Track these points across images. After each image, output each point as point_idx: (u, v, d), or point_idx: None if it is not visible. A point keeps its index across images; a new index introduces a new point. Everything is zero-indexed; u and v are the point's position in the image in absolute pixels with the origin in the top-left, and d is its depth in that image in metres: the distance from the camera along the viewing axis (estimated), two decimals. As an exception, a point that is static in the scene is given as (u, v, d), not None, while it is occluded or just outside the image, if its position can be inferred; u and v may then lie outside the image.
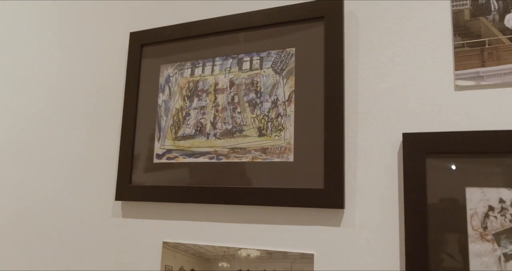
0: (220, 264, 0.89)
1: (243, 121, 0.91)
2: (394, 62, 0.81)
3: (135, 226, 1.00)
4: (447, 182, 0.72)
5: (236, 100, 0.93)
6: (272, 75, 0.90)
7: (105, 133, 1.10)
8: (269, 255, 0.85)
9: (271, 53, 0.91)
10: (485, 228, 0.68)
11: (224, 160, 0.91)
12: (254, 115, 0.90)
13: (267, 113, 0.89)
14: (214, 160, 0.92)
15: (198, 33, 0.99)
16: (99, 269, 1.03)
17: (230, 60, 0.95)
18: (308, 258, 0.82)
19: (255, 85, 0.91)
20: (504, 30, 0.73)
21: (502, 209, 0.68)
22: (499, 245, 0.67)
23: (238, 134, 0.91)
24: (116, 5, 1.16)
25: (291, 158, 0.85)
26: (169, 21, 1.07)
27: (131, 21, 1.13)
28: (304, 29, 0.88)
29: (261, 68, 0.91)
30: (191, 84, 0.99)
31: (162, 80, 1.03)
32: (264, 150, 0.88)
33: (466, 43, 0.75)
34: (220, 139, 0.93)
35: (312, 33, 0.87)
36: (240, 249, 0.88)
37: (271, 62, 0.90)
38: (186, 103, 0.99)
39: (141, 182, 1.00)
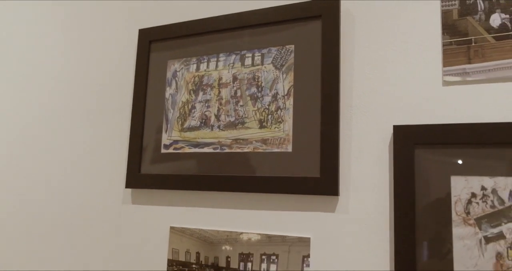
0: (223, 247, 0.94)
1: (245, 114, 0.95)
2: (387, 59, 0.85)
3: (144, 212, 1.06)
4: (434, 171, 0.76)
5: (238, 94, 0.97)
6: (273, 71, 0.94)
7: (116, 125, 1.14)
8: (269, 238, 0.89)
9: (271, 50, 0.95)
10: (467, 213, 0.73)
11: (227, 150, 0.96)
12: (256, 108, 0.95)
13: (267, 107, 0.93)
14: (218, 150, 0.97)
15: (203, 31, 1.02)
16: (111, 251, 1.08)
17: (233, 56, 0.99)
18: (305, 242, 0.86)
19: (256, 80, 0.96)
20: (489, 29, 0.77)
21: (484, 195, 0.72)
22: (480, 229, 0.72)
23: (241, 126, 0.96)
24: (126, 3, 1.20)
25: (289, 149, 0.89)
26: (176, 18, 1.10)
27: (140, 18, 1.17)
28: (303, 27, 0.92)
29: (262, 64, 0.96)
30: (196, 78, 1.03)
31: (169, 74, 1.07)
32: (264, 141, 0.92)
33: (454, 41, 0.79)
34: (224, 131, 0.97)
35: (310, 31, 0.91)
36: (242, 233, 0.93)
37: (271, 58, 0.94)
38: (192, 96, 1.03)
39: (149, 170, 1.04)
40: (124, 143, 1.12)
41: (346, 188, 0.85)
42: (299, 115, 0.89)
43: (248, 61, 0.97)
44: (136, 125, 1.08)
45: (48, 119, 1.26)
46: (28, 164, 1.26)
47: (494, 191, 0.72)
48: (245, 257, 0.91)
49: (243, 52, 0.98)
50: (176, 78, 1.05)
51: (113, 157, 1.13)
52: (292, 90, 0.91)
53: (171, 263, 0.98)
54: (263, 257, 0.89)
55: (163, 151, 1.04)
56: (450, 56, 0.79)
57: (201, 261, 0.95)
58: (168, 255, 0.99)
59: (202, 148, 0.99)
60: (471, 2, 0.79)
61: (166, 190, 1.03)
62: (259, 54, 0.96)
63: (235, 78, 0.98)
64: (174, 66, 1.06)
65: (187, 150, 1.00)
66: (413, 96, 0.82)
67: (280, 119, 0.91)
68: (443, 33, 0.81)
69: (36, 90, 1.30)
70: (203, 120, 1.00)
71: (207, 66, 1.02)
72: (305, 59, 0.90)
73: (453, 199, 0.74)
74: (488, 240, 0.71)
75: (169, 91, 1.06)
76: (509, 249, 0.69)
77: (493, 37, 0.76)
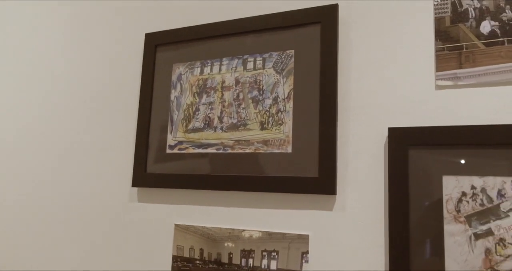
0: (226, 244, 0.97)
1: (247, 116, 0.98)
2: (382, 64, 0.89)
3: (149, 210, 1.09)
4: (426, 171, 0.79)
5: (241, 97, 1.00)
6: (274, 75, 0.97)
7: (123, 127, 1.17)
8: (270, 236, 0.92)
9: (272, 55, 0.98)
10: (458, 211, 0.76)
11: (229, 151, 0.99)
12: (257, 110, 0.98)
13: (268, 109, 0.96)
14: (221, 151, 1.00)
15: (208, 35, 1.05)
16: (117, 248, 1.12)
17: (236, 61, 1.02)
18: (304, 239, 0.89)
19: (258, 83, 0.99)
20: (480, 36, 0.81)
21: (474, 194, 0.76)
22: (470, 226, 0.75)
23: (243, 128, 0.99)
24: (133, 8, 1.23)
25: (289, 149, 0.92)
26: (181, 23, 1.14)
27: (146, 23, 1.20)
28: (303, 33, 0.95)
29: (263, 68, 0.99)
30: (200, 82, 1.06)
31: (174, 78, 1.10)
32: (265, 142, 0.96)
33: (446, 47, 0.83)
34: (226, 132, 1.01)
35: (309, 36, 0.94)
36: (243, 230, 0.96)
37: (272, 63, 0.98)
38: (196, 99, 1.06)
39: (155, 170, 1.07)
40: (130, 143, 1.16)
41: (343, 187, 0.88)
42: (298, 118, 0.92)
43: (250, 65, 1.00)
44: (142, 126, 1.11)
45: (58, 120, 1.29)
46: (38, 163, 1.30)
47: (483, 190, 0.75)
48: (246, 254, 0.94)
49: (245, 57, 1.01)
50: (181, 81, 1.08)
51: (120, 157, 1.16)
52: (292, 94, 0.94)
53: (175, 259, 1.02)
54: (264, 253, 0.92)
55: (168, 151, 1.07)
56: (442, 62, 0.83)
57: (205, 257, 0.98)
58: (172, 252, 1.03)
59: (206, 148, 1.02)
60: (462, 9, 0.83)
61: (171, 189, 1.07)
62: (261, 58, 0.99)
63: (237, 81, 1.01)
64: (179, 69, 1.09)
65: (191, 150, 1.04)
66: (407, 100, 0.85)
67: (280, 122, 0.94)
68: (436, 39, 0.84)
69: (46, 92, 1.33)
70: (207, 122, 1.03)
71: (211, 70, 1.05)
72: (305, 63, 0.94)
73: (444, 198, 0.78)
74: (477, 236, 0.74)
75: (174, 93, 1.09)
76: (497, 245, 0.73)
77: (483, 43, 0.80)
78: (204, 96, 1.05)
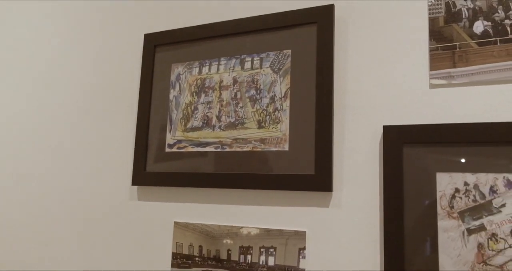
0: (224, 241, 0.98)
1: (244, 115, 1.00)
2: (378, 63, 0.90)
3: (149, 208, 1.10)
4: (420, 168, 0.81)
5: (238, 96, 1.02)
6: (271, 74, 0.99)
7: (122, 126, 1.19)
8: (267, 232, 0.94)
9: (269, 54, 0.99)
10: (451, 207, 0.78)
11: (227, 149, 1.00)
12: (254, 109, 0.99)
13: (265, 108, 0.98)
14: (219, 149, 1.01)
15: (206, 36, 1.07)
16: (118, 245, 1.13)
17: (234, 60, 1.04)
18: (301, 235, 0.91)
19: (255, 83, 1.00)
20: (473, 36, 0.82)
21: (466, 191, 0.77)
22: (463, 222, 0.77)
23: (240, 126, 1.00)
24: (132, 9, 1.24)
25: (286, 147, 0.94)
26: (180, 24, 1.15)
27: (145, 23, 1.21)
28: (299, 33, 0.96)
29: (261, 67, 1.00)
30: (199, 81, 1.08)
31: (173, 77, 1.11)
32: (263, 140, 0.97)
33: (440, 46, 0.84)
34: (224, 131, 1.02)
35: (306, 36, 0.95)
36: (242, 227, 0.97)
37: (269, 62, 0.99)
38: (194, 98, 1.07)
39: (154, 168, 1.08)
40: (130, 142, 1.17)
41: (339, 184, 0.89)
42: (295, 116, 0.94)
43: (247, 65, 1.02)
44: (141, 125, 1.12)
45: (58, 119, 1.30)
46: (38, 162, 1.31)
47: (476, 186, 0.77)
48: (245, 250, 0.95)
49: (243, 57, 1.03)
50: (180, 81, 1.10)
51: (120, 156, 1.18)
52: (289, 93, 0.96)
53: (175, 256, 1.03)
54: (262, 249, 0.93)
55: (167, 150, 1.08)
56: (436, 61, 0.84)
57: (204, 254, 1.00)
58: (172, 249, 1.04)
59: (204, 147, 1.03)
60: (456, 10, 0.84)
61: (170, 187, 1.08)
62: (258, 58, 1.01)
63: (235, 81, 1.03)
64: (178, 69, 1.11)
65: (190, 149, 1.05)
66: (402, 98, 0.87)
67: (277, 120, 0.96)
68: (430, 39, 0.86)
69: (46, 92, 1.35)
70: (205, 121, 1.04)
71: (209, 70, 1.06)
72: (301, 63, 0.95)
73: (438, 194, 0.79)
74: (470, 231, 0.76)
75: (173, 93, 1.10)
76: (489, 240, 0.74)
77: (476, 43, 0.81)
78: (203, 95, 1.06)
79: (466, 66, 0.81)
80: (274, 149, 0.95)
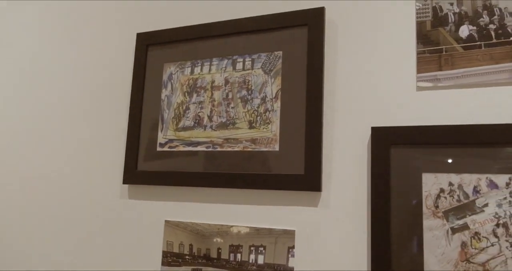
0: (215, 240, 0.99)
1: (236, 115, 1.01)
2: (366, 66, 0.92)
3: (140, 207, 1.11)
4: (407, 169, 0.83)
5: (230, 96, 1.03)
6: (262, 75, 1.00)
7: (114, 125, 1.19)
8: (257, 231, 0.95)
9: (261, 56, 1.01)
10: (436, 206, 0.80)
11: (219, 149, 1.01)
12: (246, 110, 1.00)
13: (256, 109, 0.99)
14: (210, 149, 1.02)
15: (198, 36, 1.08)
16: (109, 244, 1.13)
17: (226, 61, 1.05)
18: (290, 234, 0.92)
19: (247, 83, 1.02)
20: (458, 40, 0.84)
21: (451, 191, 0.79)
22: (447, 221, 0.79)
23: (232, 126, 1.01)
24: (125, 8, 1.25)
25: (276, 148, 0.95)
26: (172, 24, 1.16)
27: (138, 23, 1.22)
28: (290, 35, 0.98)
29: (252, 68, 1.01)
30: (191, 81, 1.08)
31: (165, 77, 1.11)
32: (253, 141, 0.98)
33: (427, 50, 0.86)
34: (216, 131, 1.03)
35: (297, 38, 0.97)
36: (232, 226, 0.98)
37: (261, 64, 1.00)
38: (186, 98, 1.08)
39: (145, 167, 1.09)
40: (121, 141, 1.17)
41: (328, 184, 0.91)
42: (285, 117, 0.95)
43: (239, 65, 1.03)
44: (133, 124, 1.12)
45: (50, 118, 1.30)
46: (31, 161, 1.31)
47: (460, 187, 0.79)
48: (235, 249, 0.96)
49: (234, 57, 1.04)
50: (172, 81, 1.11)
51: (111, 155, 1.18)
52: (280, 94, 0.97)
53: (165, 254, 1.04)
54: (252, 248, 0.95)
55: (158, 149, 1.09)
56: (423, 64, 0.86)
57: (194, 253, 1.01)
58: (163, 247, 1.05)
59: (196, 146, 1.04)
60: (443, 14, 0.86)
61: (161, 186, 1.09)
62: (250, 59, 1.02)
63: (227, 81, 1.04)
64: (170, 69, 1.11)
65: (181, 148, 1.06)
66: (389, 100, 0.88)
67: (268, 121, 0.97)
68: (417, 43, 0.87)
69: (38, 90, 1.34)
70: (197, 121, 1.05)
71: (201, 70, 1.07)
72: (292, 64, 0.97)
73: (424, 194, 0.81)
74: (454, 230, 0.78)
75: (165, 92, 1.11)
76: (472, 238, 0.76)
77: (462, 46, 0.84)
78: (194, 95, 1.07)
79: (452, 69, 0.84)
80: (264, 149, 0.96)
